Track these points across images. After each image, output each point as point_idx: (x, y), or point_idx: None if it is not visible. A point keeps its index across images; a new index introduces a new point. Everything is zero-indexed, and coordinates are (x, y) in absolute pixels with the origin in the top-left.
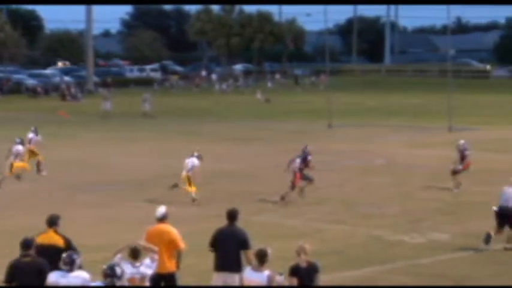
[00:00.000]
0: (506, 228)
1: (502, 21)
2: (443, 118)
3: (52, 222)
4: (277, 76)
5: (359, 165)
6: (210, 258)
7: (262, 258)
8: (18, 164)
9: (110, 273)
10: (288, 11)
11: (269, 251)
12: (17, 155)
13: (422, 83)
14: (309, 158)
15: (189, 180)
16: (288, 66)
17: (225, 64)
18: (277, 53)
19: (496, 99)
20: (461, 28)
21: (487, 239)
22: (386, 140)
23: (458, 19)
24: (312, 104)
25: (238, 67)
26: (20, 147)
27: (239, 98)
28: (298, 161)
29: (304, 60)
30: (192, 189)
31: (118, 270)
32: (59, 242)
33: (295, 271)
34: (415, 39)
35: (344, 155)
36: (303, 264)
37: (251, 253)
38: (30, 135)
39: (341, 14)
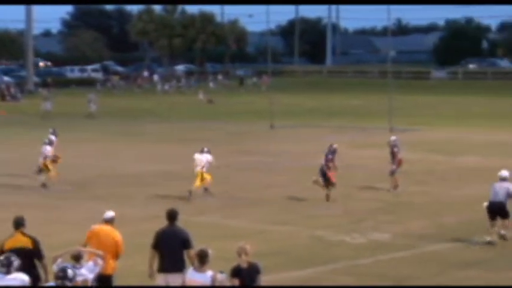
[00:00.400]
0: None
1: (442, 23)
2: (384, 119)
3: (18, 223)
4: (220, 77)
5: (301, 165)
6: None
7: (203, 258)
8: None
9: (62, 275)
10: (230, 12)
11: (210, 251)
12: (46, 156)
13: (364, 84)
14: (329, 156)
15: (202, 176)
16: (230, 67)
17: (167, 65)
18: (219, 54)
19: (436, 101)
20: (401, 30)
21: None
22: (328, 140)
23: (399, 21)
24: (254, 105)
25: (181, 68)
26: (48, 148)
27: (181, 99)
28: (323, 159)
29: (246, 61)
30: (207, 180)
31: (70, 273)
32: (28, 243)
33: (236, 272)
34: (356, 41)
35: (286, 156)
36: (244, 265)
37: (193, 252)
38: (53, 138)
39: (283, 15)
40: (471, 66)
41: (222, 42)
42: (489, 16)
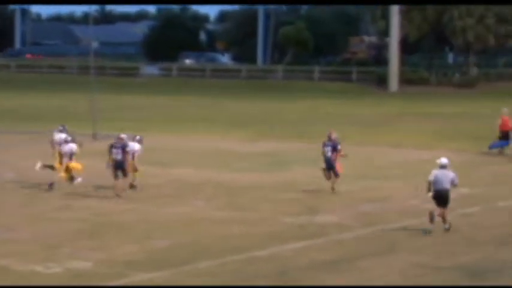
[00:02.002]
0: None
1: (152, 10)
2: (87, 123)
3: None
4: None
5: None
6: None
7: None
8: (73, 164)
9: None
10: None
11: None
12: (71, 154)
13: (61, 81)
14: (339, 147)
15: (133, 167)
16: None
17: None
18: None
19: (148, 102)
20: (105, 17)
21: (431, 218)
22: (16, 149)
23: (102, 7)
24: None
25: None
26: (72, 145)
27: None
28: (329, 149)
29: None
30: (135, 175)
31: None
32: None
33: None
34: (52, 29)
35: None
36: None
37: None
38: (63, 136)
39: None
40: (187, 61)
41: None
42: (206, 4)
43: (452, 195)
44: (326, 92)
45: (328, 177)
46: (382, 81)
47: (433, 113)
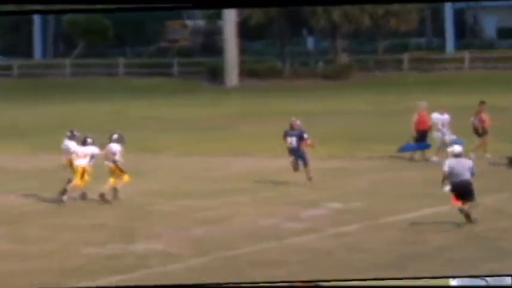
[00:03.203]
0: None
1: None
2: None
3: None
4: None
5: None
6: None
7: None
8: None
9: None
10: None
11: None
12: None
13: None
14: (305, 135)
15: (119, 170)
16: None
17: None
18: None
19: None
20: None
21: (466, 215)
22: None
23: None
24: None
25: None
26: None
27: None
28: (293, 139)
29: None
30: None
31: None
32: None
33: None
34: None
35: None
36: None
37: None
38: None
39: None
40: None
41: None
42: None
43: (322, 211)
44: (136, 91)
45: (296, 168)
46: (216, 74)
47: (288, 112)
